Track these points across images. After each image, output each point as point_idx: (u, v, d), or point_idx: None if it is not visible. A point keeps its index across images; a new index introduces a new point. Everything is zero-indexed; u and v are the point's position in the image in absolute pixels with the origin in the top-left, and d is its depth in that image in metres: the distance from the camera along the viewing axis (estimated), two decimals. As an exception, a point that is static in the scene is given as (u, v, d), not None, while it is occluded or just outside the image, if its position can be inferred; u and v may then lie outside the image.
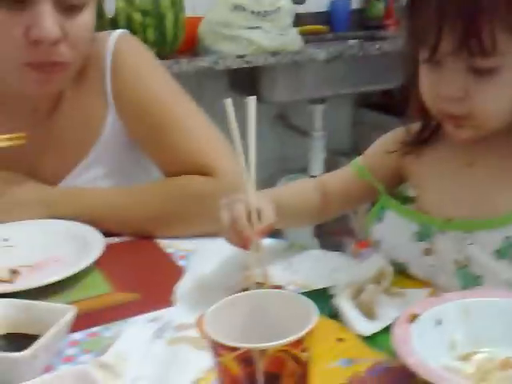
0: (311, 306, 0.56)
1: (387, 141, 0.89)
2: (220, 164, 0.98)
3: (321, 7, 2.51)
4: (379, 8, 2.52)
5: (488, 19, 0.66)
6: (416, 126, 0.85)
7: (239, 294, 0.61)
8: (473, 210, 0.78)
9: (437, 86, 0.73)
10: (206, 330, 0.55)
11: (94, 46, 1.01)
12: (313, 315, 0.55)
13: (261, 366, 0.52)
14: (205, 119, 1.04)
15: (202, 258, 0.89)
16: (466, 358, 0.63)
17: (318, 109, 2.35)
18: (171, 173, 1.02)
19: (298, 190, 0.92)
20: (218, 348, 0.54)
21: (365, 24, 2.55)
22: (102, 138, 1.04)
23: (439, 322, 0.64)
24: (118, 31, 1.06)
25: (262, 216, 0.73)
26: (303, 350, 0.53)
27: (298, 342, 0.53)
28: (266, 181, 2.60)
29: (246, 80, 2.17)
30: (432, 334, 0.63)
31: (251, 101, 0.74)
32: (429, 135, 0.84)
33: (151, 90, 1.02)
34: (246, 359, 0.52)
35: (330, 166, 2.56)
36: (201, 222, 0.97)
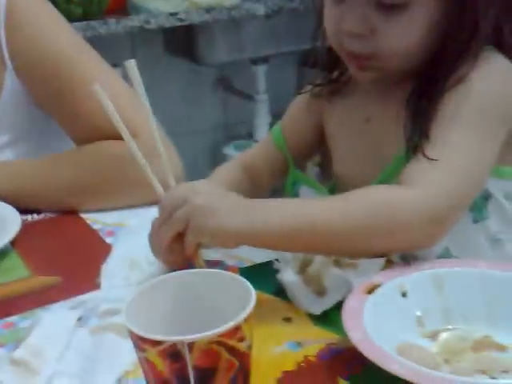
0: (248, 286, 0.48)
1: (301, 98, 0.84)
2: (134, 124, 0.81)
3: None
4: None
5: None
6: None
7: (165, 275, 0.52)
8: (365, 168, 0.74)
9: (340, 21, 0.67)
10: (124, 321, 0.47)
11: None
12: (250, 297, 0.46)
13: (190, 361, 0.44)
14: (116, 77, 0.93)
15: (131, 232, 0.79)
16: (434, 335, 0.56)
17: (261, 69, 2.24)
18: (82, 140, 0.91)
19: (225, 177, 0.82)
20: (139, 342, 0.45)
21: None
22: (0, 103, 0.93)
23: (404, 294, 0.57)
24: None
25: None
26: (241, 340, 0.45)
27: (234, 331, 0.44)
28: (211, 149, 2.51)
29: (182, 41, 2.05)
30: (394, 306, 0.56)
31: (131, 64, 0.67)
32: (339, 85, 0.79)
33: (56, 46, 0.91)
34: (173, 354, 0.44)
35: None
36: (122, 189, 0.87)
